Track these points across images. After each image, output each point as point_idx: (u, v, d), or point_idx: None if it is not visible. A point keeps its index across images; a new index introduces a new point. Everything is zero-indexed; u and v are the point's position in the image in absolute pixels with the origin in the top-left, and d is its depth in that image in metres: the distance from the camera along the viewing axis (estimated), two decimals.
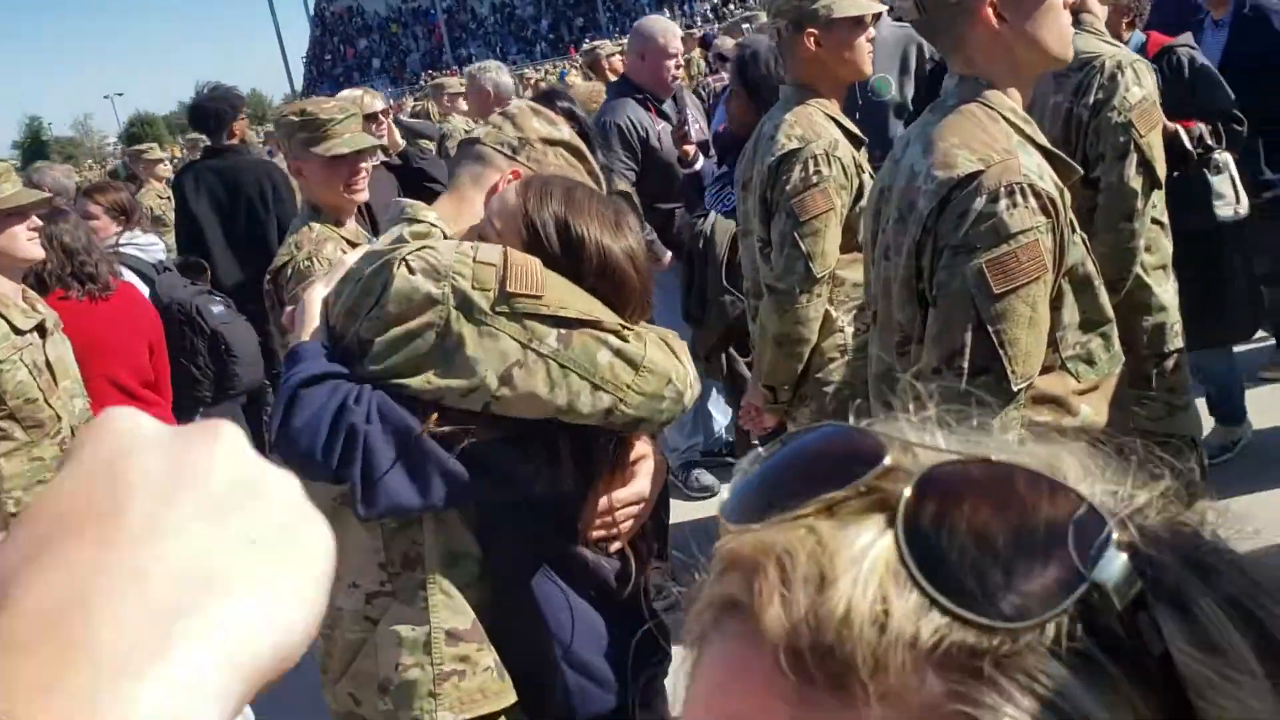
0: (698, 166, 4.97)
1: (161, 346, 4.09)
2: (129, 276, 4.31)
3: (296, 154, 3.38)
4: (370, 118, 4.85)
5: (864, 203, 3.11)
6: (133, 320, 4.01)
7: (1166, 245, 3.16)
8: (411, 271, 1.70)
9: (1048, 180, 1.93)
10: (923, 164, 1.99)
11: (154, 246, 4.88)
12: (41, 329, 3.33)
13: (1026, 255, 1.88)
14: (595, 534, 1.84)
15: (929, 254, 1.96)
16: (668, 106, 5.08)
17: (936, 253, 1.95)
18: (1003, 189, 1.89)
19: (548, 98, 3.57)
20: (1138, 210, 3.00)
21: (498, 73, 6.18)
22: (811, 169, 3.03)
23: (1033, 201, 1.89)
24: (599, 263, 1.78)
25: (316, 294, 1.86)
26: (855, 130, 3.22)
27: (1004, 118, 2.01)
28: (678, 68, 5.20)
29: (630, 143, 4.82)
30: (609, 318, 1.75)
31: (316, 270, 3.11)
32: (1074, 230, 1.98)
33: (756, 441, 4.79)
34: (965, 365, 1.90)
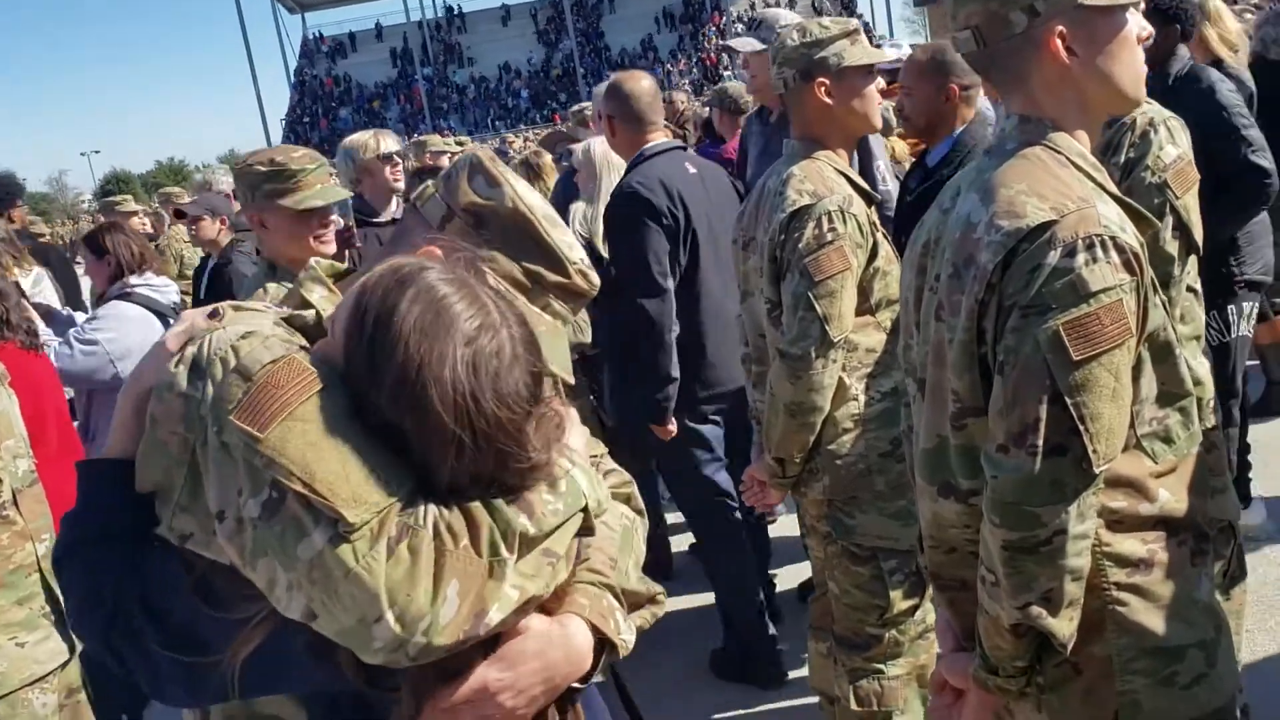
0: None
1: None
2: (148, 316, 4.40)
3: (260, 205, 3.11)
4: (385, 159, 4.74)
5: (879, 263, 2.90)
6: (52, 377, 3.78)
7: (1200, 315, 2.95)
8: (179, 362, 1.42)
9: (1129, 233, 1.71)
10: (983, 213, 1.76)
11: (168, 288, 4.75)
12: None
13: (1110, 317, 1.65)
14: None
15: (993, 315, 1.72)
16: None
17: (1002, 313, 1.70)
18: (1080, 241, 1.66)
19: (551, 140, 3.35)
20: (1174, 278, 2.79)
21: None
22: (825, 226, 2.81)
23: (1115, 256, 1.66)
24: (399, 377, 1.29)
25: (127, 389, 1.56)
26: (866, 186, 3.01)
27: (1073, 163, 1.79)
28: None
29: None
30: (349, 493, 1.26)
31: None
32: (1155, 291, 1.75)
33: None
34: (1040, 444, 1.65)
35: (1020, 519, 1.67)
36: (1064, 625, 1.71)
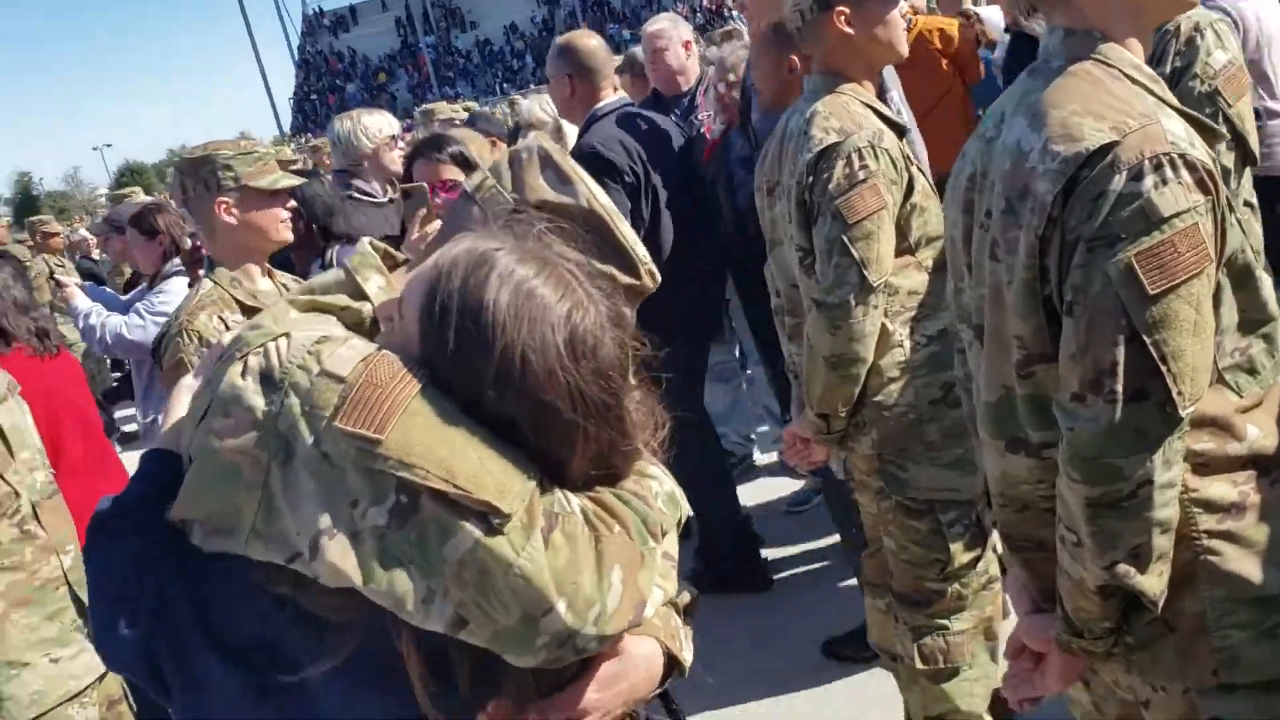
0: None
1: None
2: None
3: (229, 191, 2.97)
4: (393, 140, 4.84)
5: (915, 199, 2.73)
6: (79, 382, 3.69)
7: (1259, 231, 2.77)
8: (244, 373, 1.26)
9: (1199, 149, 1.54)
10: (1034, 139, 1.59)
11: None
12: None
13: (1186, 244, 1.48)
14: None
15: (1056, 251, 1.56)
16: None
17: (1066, 248, 1.55)
18: (1147, 162, 1.49)
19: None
20: (1231, 192, 2.61)
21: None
22: (857, 164, 2.65)
23: (1186, 175, 1.50)
24: (504, 370, 1.20)
25: (185, 384, 1.48)
26: (895, 118, 2.83)
27: (1128, 76, 1.62)
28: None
29: None
30: (493, 484, 1.17)
31: (184, 346, 2.80)
32: (1231, 210, 1.58)
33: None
34: (1118, 390, 1.50)
35: (1102, 473, 1.53)
36: (1154, 582, 1.57)
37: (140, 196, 8.74)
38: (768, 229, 3.04)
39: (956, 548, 2.81)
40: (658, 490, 1.33)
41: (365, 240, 1.59)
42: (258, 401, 1.23)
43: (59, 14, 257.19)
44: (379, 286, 1.48)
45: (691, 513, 1.39)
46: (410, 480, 1.16)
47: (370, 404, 1.18)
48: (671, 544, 1.33)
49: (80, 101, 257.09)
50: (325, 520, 1.18)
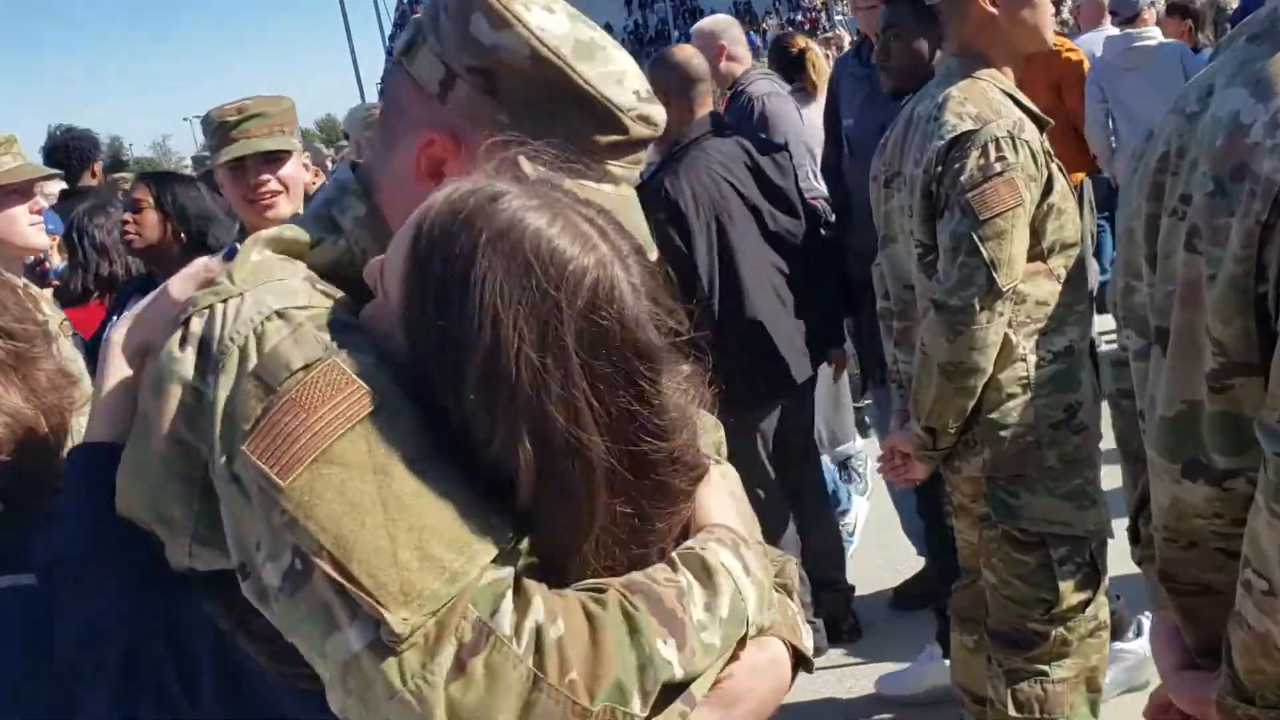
0: None
1: None
2: None
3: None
4: None
5: (1053, 199, 2.48)
6: None
7: None
8: (183, 340, 1.04)
9: None
10: (1259, 111, 1.34)
11: None
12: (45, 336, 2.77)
13: None
14: None
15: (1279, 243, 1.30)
16: None
17: None
18: None
19: None
20: None
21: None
22: (993, 155, 2.40)
23: None
24: (488, 361, 0.93)
25: (113, 346, 1.20)
26: (1037, 110, 2.58)
27: None
28: None
29: None
30: (397, 583, 0.90)
31: None
32: None
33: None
34: None
35: None
36: None
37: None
38: (881, 223, 2.80)
39: (1066, 587, 2.55)
40: (704, 619, 0.99)
41: (345, 164, 1.30)
42: (190, 377, 1.02)
43: None
44: (356, 218, 1.17)
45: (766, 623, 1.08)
46: (301, 549, 0.92)
47: (285, 434, 0.94)
48: (700, 685, 1.00)
49: (175, 73, 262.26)
50: (239, 553, 0.98)
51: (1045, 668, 2.60)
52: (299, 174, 2.91)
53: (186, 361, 1.02)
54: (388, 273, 1.02)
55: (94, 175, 5.53)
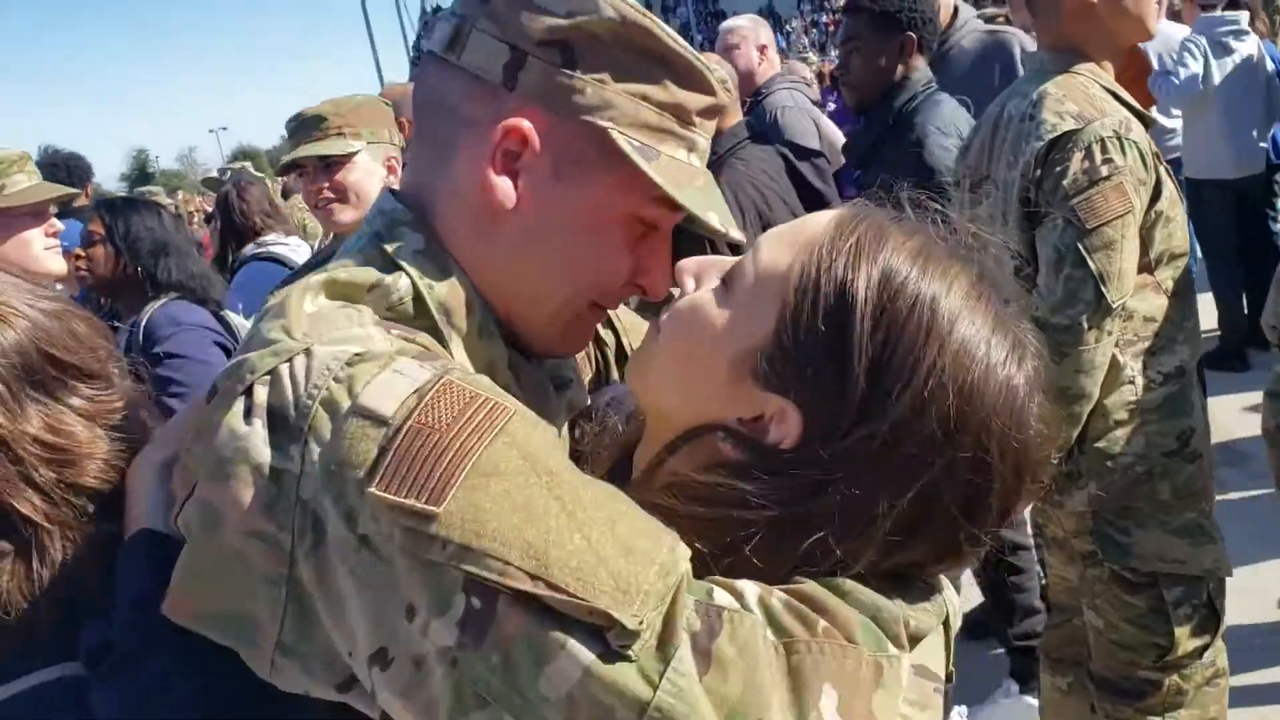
0: None
1: None
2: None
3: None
4: None
5: (1161, 206, 2.25)
6: None
7: None
8: (248, 414, 0.86)
9: None
10: None
11: (301, 247, 4.27)
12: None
13: None
14: None
15: None
16: None
17: None
18: None
19: None
20: None
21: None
22: (1099, 156, 2.17)
23: None
24: (927, 410, 0.87)
25: (145, 462, 1.02)
26: (1140, 108, 2.35)
27: None
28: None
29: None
30: (609, 579, 0.76)
31: None
32: None
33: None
34: None
35: None
36: None
37: (162, 197, 8.61)
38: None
39: (1181, 632, 2.31)
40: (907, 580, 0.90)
41: (385, 189, 1.13)
42: (267, 456, 0.83)
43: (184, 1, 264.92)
44: (416, 252, 1.02)
45: (957, 610, 0.93)
46: (480, 576, 0.76)
47: (420, 460, 0.79)
48: (931, 653, 0.88)
49: (200, 86, 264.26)
50: (373, 639, 0.80)
51: (1158, 719, 2.36)
52: (361, 178, 2.72)
53: (255, 436, 0.84)
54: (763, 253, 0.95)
55: (85, 196, 5.46)
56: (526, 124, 0.99)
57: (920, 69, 3.21)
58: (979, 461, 0.87)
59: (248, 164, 9.29)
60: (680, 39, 1.03)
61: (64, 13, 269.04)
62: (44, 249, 2.61)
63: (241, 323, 3.02)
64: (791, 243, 0.93)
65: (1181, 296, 2.33)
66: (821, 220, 0.95)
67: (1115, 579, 2.34)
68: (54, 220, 2.64)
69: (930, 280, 0.88)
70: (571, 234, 1.02)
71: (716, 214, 1.04)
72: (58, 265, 2.65)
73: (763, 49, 4.74)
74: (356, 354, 0.86)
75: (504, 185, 1.00)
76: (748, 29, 4.76)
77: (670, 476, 0.91)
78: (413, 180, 1.08)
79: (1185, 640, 2.32)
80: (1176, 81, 5.58)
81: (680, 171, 1.03)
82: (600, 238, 1.03)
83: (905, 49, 3.18)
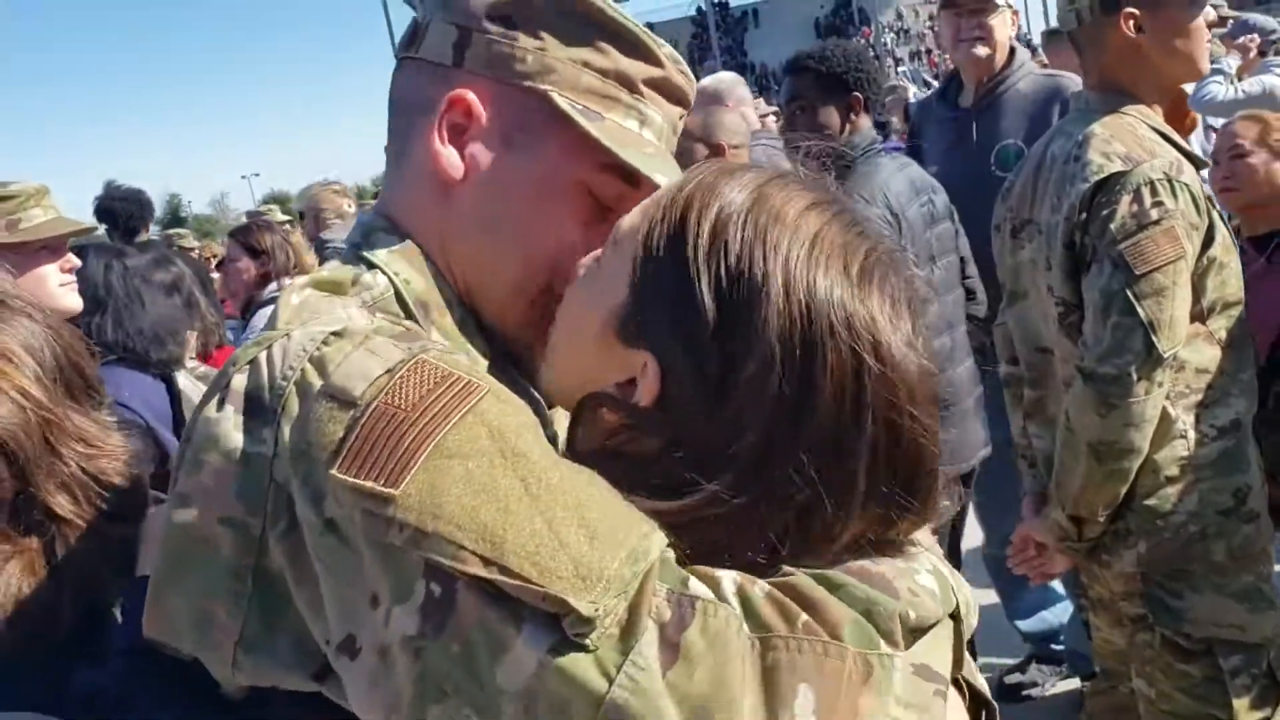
0: None
1: None
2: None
3: None
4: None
5: (1214, 252, 2.14)
6: None
7: None
8: (222, 401, 0.85)
9: None
10: None
11: None
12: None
13: None
14: None
15: None
16: None
17: None
18: None
19: None
20: None
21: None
22: (1148, 199, 2.07)
23: None
24: (791, 353, 0.80)
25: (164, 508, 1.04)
26: (1191, 149, 2.25)
27: None
28: None
29: None
30: (569, 564, 0.72)
31: None
32: None
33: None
34: None
35: None
36: None
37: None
38: (1008, 278, 2.47)
39: (1240, 704, 2.17)
40: (911, 568, 0.81)
41: (365, 212, 1.14)
42: (238, 441, 0.82)
43: (219, 49, 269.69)
44: (391, 251, 1.02)
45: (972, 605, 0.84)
46: (437, 561, 0.72)
47: (382, 441, 0.76)
48: (937, 651, 0.79)
49: (233, 133, 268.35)
50: (344, 624, 0.77)
51: None
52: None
53: (226, 421, 0.83)
54: (624, 226, 0.92)
55: (145, 230, 5.39)
56: (470, 95, 1.01)
57: (864, 129, 3.15)
58: (857, 376, 0.80)
59: (275, 207, 9.32)
60: (621, 10, 1.03)
61: (112, 61, 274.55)
62: (59, 285, 2.54)
63: (191, 387, 2.76)
64: (644, 205, 0.91)
65: (1236, 347, 2.22)
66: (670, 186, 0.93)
67: (1167, 645, 2.21)
68: (70, 256, 2.58)
69: (766, 202, 0.84)
70: (522, 201, 1.02)
71: (666, 178, 0.99)
72: (73, 302, 2.58)
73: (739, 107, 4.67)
74: (333, 333, 0.84)
75: (449, 154, 1.01)
76: (725, 88, 4.70)
77: (582, 459, 0.83)
78: (385, 191, 1.11)
79: (1244, 712, 2.18)
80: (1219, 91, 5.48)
81: (626, 136, 1.02)
82: (551, 206, 1.02)
83: (852, 108, 3.12)
